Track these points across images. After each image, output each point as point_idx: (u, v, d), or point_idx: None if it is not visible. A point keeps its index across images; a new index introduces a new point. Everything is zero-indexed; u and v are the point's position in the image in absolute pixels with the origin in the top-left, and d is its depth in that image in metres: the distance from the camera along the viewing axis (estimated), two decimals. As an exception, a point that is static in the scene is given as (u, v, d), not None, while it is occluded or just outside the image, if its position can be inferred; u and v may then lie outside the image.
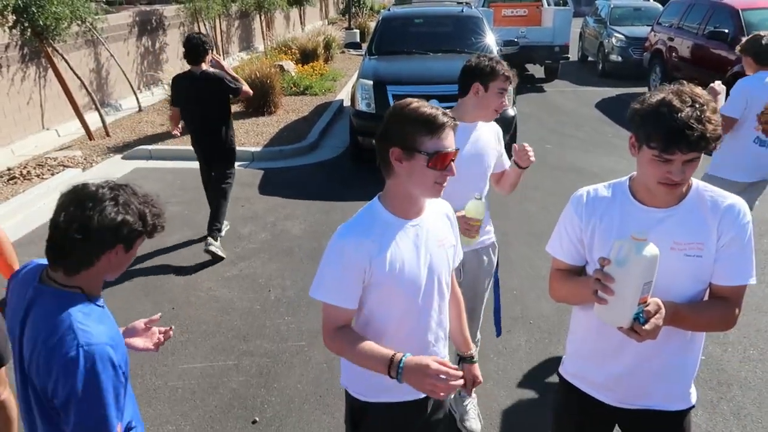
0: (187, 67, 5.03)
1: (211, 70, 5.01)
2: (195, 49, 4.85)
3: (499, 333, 3.18)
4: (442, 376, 1.54)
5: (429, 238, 1.77)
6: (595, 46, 14.75)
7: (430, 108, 1.65)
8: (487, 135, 2.79)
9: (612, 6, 14.99)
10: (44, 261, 1.58)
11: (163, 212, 1.62)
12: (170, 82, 5.42)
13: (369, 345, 1.68)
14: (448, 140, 1.65)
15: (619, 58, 13.33)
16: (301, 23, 23.33)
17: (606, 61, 13.82)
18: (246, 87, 5.20)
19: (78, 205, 1.47)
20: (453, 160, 1.68)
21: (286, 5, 17.49)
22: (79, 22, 8.32)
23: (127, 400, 1.59)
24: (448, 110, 1.72)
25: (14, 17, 7.17)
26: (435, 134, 1.63)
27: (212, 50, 5.07)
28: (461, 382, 1.57)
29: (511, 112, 7.11)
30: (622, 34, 13.41)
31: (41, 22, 7.28)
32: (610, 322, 1.60)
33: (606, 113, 10.29)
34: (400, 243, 1.71)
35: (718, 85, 3.82)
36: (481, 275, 2.97)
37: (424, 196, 1.74)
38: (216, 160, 5.23)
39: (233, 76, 5.13)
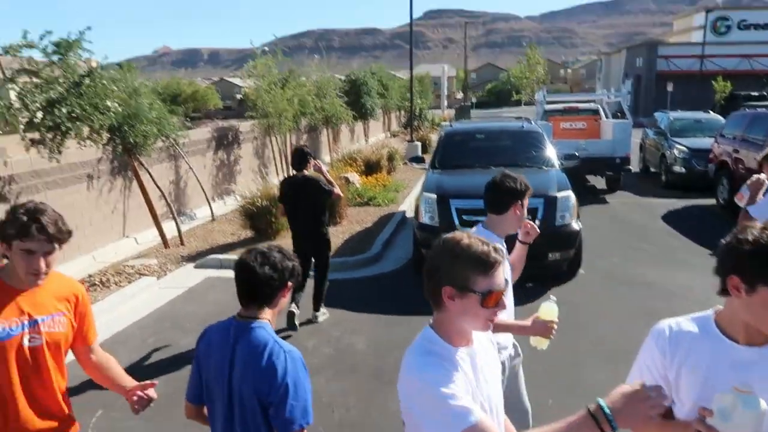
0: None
1: (312, 174, 6.03)
2: (300, 158, 5.96)
3: None
4: (652, 393, 1.41)
5: (484, 363, 1.76)
6: (657, 157, 14.72)
7: (481, 245, 1.65)
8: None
9: (672, 118, 15.10)
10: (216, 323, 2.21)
11: None
12: (279, 183, 6.65)
13: (552, 427, 1.51)
14: (500, 277, 1.66)
15: (683, 170, 13.22)
16: (365, 136, 24.50)
17: (669, 172, 13.72)
18: (338, 190, 6.17)
19: (263, 257, 2.11)
20: (504, 295, 1.69)
21: (351, 120, 18.49)
22: (164, 138, 9.04)
23: None
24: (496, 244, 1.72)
25: (108, 135, 7.87)
26: (488, 273, 1.63)
27: (313, 158, 6.12)
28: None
29: (575, 226, 7.06)
30: (685, 146, 13.36)
31: (132, 140, 7.96)
32: None
33: (673, 226, 10.06)
34: (463, 370, 1.67)
35: (764, 177, 3.83)
36: (519, 380, 3.19)
37: (475, 329, 1.75)
38: (314, 249, 6.07)
39: (329, 180, 6.08)
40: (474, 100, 71.15)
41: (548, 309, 2.68)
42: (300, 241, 6.06)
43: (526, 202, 2.97)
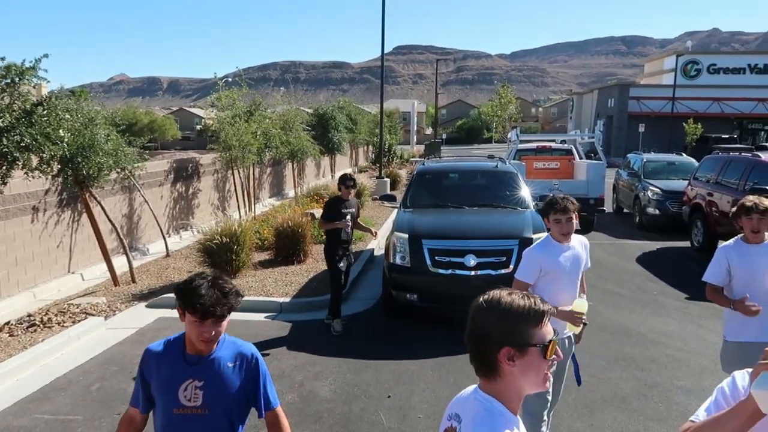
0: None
1: (333, 196, 7.35)
2: (342, 180, 7.00)
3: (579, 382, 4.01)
4: None
5: None
6: (630, 198, 14.67)
7: (523, 297, 1.60)
8: (580, 247, 3.82)
9: (645, 160, 15.11)
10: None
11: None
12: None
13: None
14: (550, 326, 1.61)
15: (657, 211, 13.16)
16: (331, 171, 24.12)
17: (643, 213, 13.63)
18: (326, 224, 6.89)
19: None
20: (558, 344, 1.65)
21: (318, 154, 18.08)
22: (119, 170, 8.48)
23: None
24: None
25: (59, 166, 7.30)
26: (542, 323, 1.58)
27: (352, 187, 7.06)
28: None
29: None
30: (658, 188, 13.31)
31: (85, 171, 7.40)
32: None
33: (648, 268, 9.86)
34: None
35: None
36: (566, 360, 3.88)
37: (536, 389, 1.62)
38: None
39: (330, 213, 6.87)
40: (444, 136, 71.72)
41: (580, 303, 3.48)
42: None
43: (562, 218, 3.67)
